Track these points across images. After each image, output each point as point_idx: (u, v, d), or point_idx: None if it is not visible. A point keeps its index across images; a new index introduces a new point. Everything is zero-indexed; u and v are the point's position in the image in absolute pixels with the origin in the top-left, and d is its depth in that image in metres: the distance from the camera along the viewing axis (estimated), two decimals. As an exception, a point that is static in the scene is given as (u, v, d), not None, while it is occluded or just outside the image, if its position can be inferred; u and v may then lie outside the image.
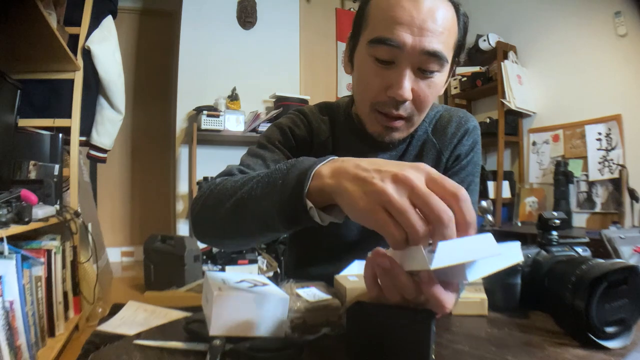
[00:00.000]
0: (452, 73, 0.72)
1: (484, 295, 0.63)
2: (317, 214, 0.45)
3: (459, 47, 0.69)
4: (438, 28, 0.61)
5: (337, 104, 0.86)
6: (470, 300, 0.63)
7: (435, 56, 0.61)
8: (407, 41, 0.60)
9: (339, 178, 0.41)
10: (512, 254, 0.42)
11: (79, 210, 2.04)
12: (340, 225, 0.71)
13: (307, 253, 0.91)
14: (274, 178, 0.49)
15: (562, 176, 2.76)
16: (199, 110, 2.87)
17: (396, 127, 0.68)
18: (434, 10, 0.61)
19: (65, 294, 1.79)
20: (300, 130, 0.81)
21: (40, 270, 1.55)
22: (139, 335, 0.55)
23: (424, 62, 0.62)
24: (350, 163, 0.42)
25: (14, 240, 1.44)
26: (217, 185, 0.61)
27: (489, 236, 0.38)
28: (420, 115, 0.69)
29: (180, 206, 3.10)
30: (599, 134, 2.70)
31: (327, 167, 0.44)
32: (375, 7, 0.65)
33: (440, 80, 0.66)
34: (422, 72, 0.63)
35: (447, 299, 0.40)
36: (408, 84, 0.63)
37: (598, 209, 2.71)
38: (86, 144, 2.39)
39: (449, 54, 0.64)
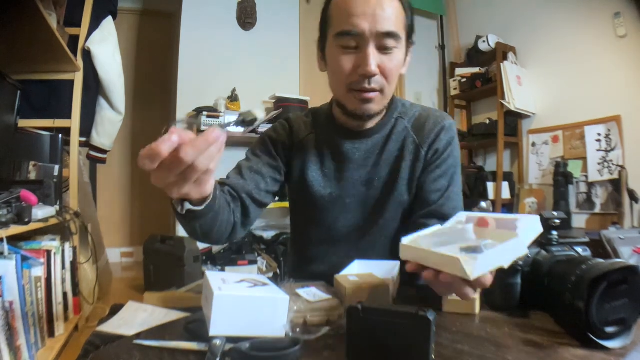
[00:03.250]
0: (409, 52, 0.85)
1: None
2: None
3: (410, 28, 0.82)
4: (387, 14, 0.75)
5: (321, 107, 0.99)
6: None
7: (390, 35, 0.75)
8: (365, 28, 0.74)
9: None
10: (533, 229, 0.48)
11: (79, 210, 2.04)
12: (329, 216, 0.89)
13: (304, 248, 0.96)
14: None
15: (561, 177, 2.76)
16: (198, 111, 2.87)
17: (371, 99, 0.79)
18: (381, 2, 0.75)
19: (65, 295, 1.79)
20: (279, 136, 0.94)
21: (40, 271, 1.54)
22: (138, 336, 0.55)
23: (383, 41, 0.75)
24: None
25: (13, 240, 1.44)
26: None
27: (520, 240, 0.46)
28: (390, 86, 0.80)
29: (180, 207, 3.10)
30: (599, 134, 2.71)
31: None
32: (335, 9, 0.79)
33: (399, 55, 0.79)
34: (383, 50, 0.76)
35: (471, 292, 0.50)
36: (374, 61, 0.75)
37: (597, 209, 2.71)
38: (86, 144, 2.39)
39: (401, 33, 0.78)
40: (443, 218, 0.77)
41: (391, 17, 0.75)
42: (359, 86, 0.78)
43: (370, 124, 0.88)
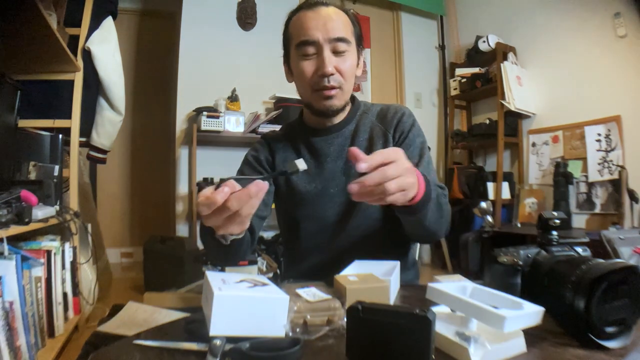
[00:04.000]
0: (360, 55, 0.97)
1: None
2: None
3: (359, 37, 0.96)
4: (336, 24, 0.89)
5: (293, 120, 1.11)
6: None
7: (341, 40, 0.89)
8: (319, 36, 0.87)
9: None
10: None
11: (79, 211, 2.04)
12: (319, 208, 0.97)
13: (298, 245, 1.02)
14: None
15: (561, 177, 2.76)
16: (198, 111, 2.87)
17: (332, 95, 0.91)
18: (330, 14, 0.89)
19: (64, 295, 1.79)
20: (259, 152, 1.04)
21: (40, 271, 1.55)
22: (138, 336, 0.55)
23: (335, 46, 0.89)
24: None
25: (13, 240, 1.45)
26: None
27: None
28: (347, 84, 0.92)
29: (180, 207, 3.10)
30: (599, 135, 2.71)
31: None
32: (293, 26, 0.93)
33: (352, 57, 0.92)
34: (337, 53, 0.89)
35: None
36: (330, 62, 0.87)
37: (597, 210, 2.71)
38: (86, 144, 2.39)
39: (350, 38, 0.91)
40: None
41: (340, 25, 0.89)
42: (321, 85, 0.89)
43: (337, 120, 1.00)
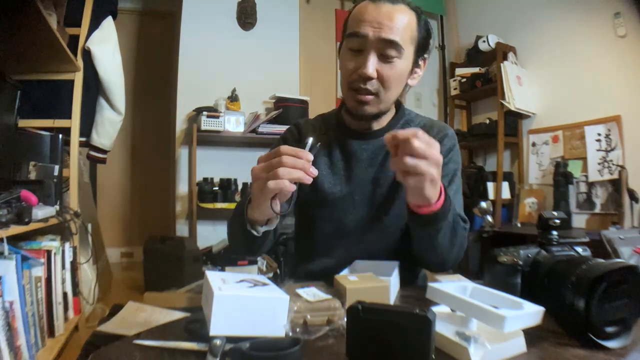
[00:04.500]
0: (416, 64, 0.90)
1: None
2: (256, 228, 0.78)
3: (422, 45, 0.88)
4: (393, 25, 0.81)
5: (329, 113, 1.06)
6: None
7: (392, 44, 0.81)
8: (369, 32, 0.81)
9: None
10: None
11: (79, 210, 2.04)
12: (339, 212, 0.94)
13: (311, 244, 0.98)
14: (236, 211, 0.84)
15: (561, 177, 2.75)
16: (198, 111, 2.87)
17: (366, 101, 0.86)
18: (391, 13, 0.82)
19: (65, 295, 1.79)
20: (288, 142, 0.98)
21: (40, 271, 1.54)
22: (138, 336, 0.55)
23: (384, 49, 0.82)
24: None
25: (13, 240, 1.44)
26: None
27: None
28: (387, 93, 0.86)
29: (180, 207, 3.10)
30: (599, 134, 2.71)
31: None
32: (352, 16, 0.87)
33: (401, 65, 0.84)
34: (384, 57, 0.82)
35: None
36: (371, 65, 0.81)
37: (597, 209, 2.71)
38: (86, 144, 2.39)
39: (405, 44, 0.83)
40: None
41: (397, 28, 0.81)
42: (356, 85, 0.84)
43: (377, 126, 0.95)
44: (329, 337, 0.54)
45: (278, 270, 2.54)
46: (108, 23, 2.35)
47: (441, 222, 0.72)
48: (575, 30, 2.87)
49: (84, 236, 2.11)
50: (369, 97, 0.85)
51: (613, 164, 2.60)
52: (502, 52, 3.19)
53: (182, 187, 3.09)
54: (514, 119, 3.21)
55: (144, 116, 3.81)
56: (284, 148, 0.65)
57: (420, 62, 0.91)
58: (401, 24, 0.82)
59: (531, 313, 0.50)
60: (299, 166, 0.64)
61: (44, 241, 1.68)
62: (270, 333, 0.51)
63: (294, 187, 0.65)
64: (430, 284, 0.58)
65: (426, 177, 0.63)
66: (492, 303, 0.51)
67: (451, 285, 0.58)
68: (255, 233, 0.77)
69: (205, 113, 2.81)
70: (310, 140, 0.67)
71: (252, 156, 3.00)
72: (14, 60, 1.95)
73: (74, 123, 2.12)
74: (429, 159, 0.62)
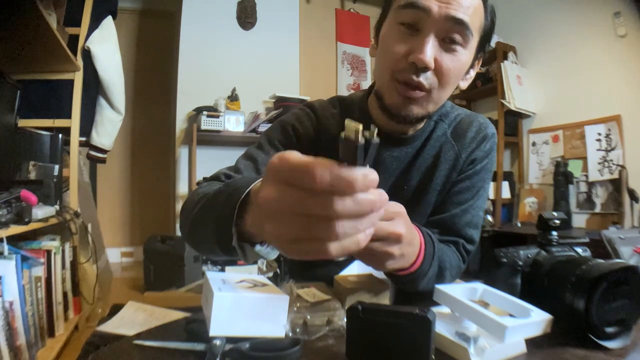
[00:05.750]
0: (476, 61, 0.72)
1: None
2: (245, 248, 0.44)
3: (486, 36, 0.69)
4: (464, 1, 0.62)
5: (351, 99, 0.83)
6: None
7: (460, 24, 0.62)
8: (433, 7, 0.61)
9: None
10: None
11: (79, 210, 2.04)
12: None
13: None
14: (214, 201, 0.49)
15: (561, 177, 2.76)
16: (198, 110, 2.87)
17: (415, 98, 0.65)
18: None
19: (65, 295, 1.79)
20: (305, 128, 0.78)
21: (40, 271, 1.54)
22: (138, 336, 0.55)
23: (449, 30, 0.62)
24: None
25: (13, 240, 1.44)
26: (194, 194, 0.63)
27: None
28: (441, 91, 0.66)
29: (180, 207, 3.10)
30: (599, 134, 2.71)
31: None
32: None
33: (464, 58, 0.66)
34: (447, 43, 0.63)
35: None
36: (430, 51, 0.61)
37: (598, 209, 2.71)
38: (86, 144, 2.39)
39: (474, 30, 0.64)
40: (450, 229, 0.77)
41: (469, 7, 0.62)
42: (405, 76, 0.64)
43: (412, 130, 0.77)
44: (329, 338, 0.54)
45: (278, 270, 2.53)
46: (108, 23, 2.35)
47: (421, 280, 0.61)
48: (575, 30, 2.87)
49: (84, 236, 2.10)
50: (420, 94, 0.65)
51: (613, 164, 2.60)
52: (502, 51, 3.19)
53: (182, 187, 3.09)
54: (514, 118, 3.21)
55: (144, 116, 3.81)
56: (349, 176, 0.30)
57: (478, 61, 0.73)
58: (471, 4, 0.63)
59: (537, 322, 0.49)
60: (374, 220, 0.33)
61: (43, 241, 1.68)
62: (270, 333, 0.51)
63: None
64: (438, 286, 0.56)
65: (385, 257, 0.52)
66: (501, 307, 0.51)
67: (460, 287, 0.57)
68: (241, 252, 0.45)
69: (205, 113, 2.81)
70: (375, 139, 0.32)
71: (252, 156, 3.00)
72: (14, 60, 1.95)
73: (74, 123, 2.12)
74: (387, 239, 0.50)
